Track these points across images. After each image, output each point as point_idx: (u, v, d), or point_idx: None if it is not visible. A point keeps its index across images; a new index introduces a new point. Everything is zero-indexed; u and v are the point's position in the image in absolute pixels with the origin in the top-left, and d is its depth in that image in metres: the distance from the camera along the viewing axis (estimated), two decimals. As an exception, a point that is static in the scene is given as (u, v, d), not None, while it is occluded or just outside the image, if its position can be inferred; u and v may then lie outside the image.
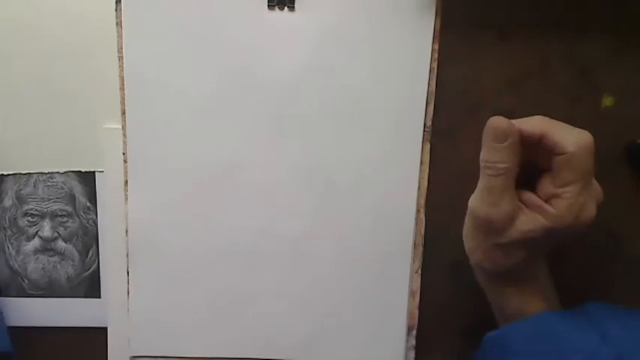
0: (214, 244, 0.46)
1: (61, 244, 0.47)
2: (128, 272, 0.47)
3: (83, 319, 0.48)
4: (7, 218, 0.47)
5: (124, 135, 0.46)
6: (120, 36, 0.45)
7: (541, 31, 0.44)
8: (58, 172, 0.47)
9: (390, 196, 0.45)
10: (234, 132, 0.46)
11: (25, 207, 0.47)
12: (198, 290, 0.47)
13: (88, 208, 0.47)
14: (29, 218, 0.47)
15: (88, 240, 0.47)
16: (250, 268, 0.47)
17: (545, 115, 0.45)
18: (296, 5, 0.44)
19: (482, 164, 0.37)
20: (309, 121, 0.45)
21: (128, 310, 0.47)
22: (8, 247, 0.47)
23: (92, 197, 0.47)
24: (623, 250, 0.46)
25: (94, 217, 0.47)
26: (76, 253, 0.48)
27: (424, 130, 0.45)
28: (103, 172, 0.46)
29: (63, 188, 0.47)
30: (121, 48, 0.45)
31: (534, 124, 0.37)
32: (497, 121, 0.37)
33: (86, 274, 0.48)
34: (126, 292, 0.47)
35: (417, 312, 0.47)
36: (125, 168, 0.46)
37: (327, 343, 0.47)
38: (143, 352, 0.48)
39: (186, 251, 0.46)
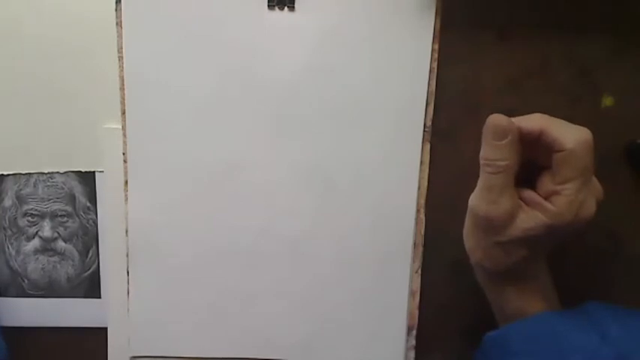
0: (214, 244, 0.46)
1: (61, 244, 0.47)
2: (128, 272, 0.47)
3: (83, 319, 0.48)
4: (7, 218, 0.47)
5: (124, 135, 0.46)
6: (120, 36, 0.45)
7: (541, 31, 0.44)
8: (58, 172, 0.47)
9: (390, 196, 0.45)
10: (234, 132, 0.46)
11: (25, 207, 0.47)
12: (198, 290, 0.47)
13: (88, 208, 0.47)
14: (29, 218, 0.47)
15: (88, 240, 0.47)
16: (250, 268, 0.47)
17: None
18: (296, 5, 0.44)
19: (482, 162, 0.37)
20: (309, 121, 0.45)
21: (128, 310, 0.47)
22: (8, 247, 0.47)
23: (92, 197, 0.47)
24: (623, 250, 0.46)
25: (94, 217, 0.47)
26: (76, 253, 0.48)
27: (424, 130, 0.45)
28: (103, 172, 0.46)
29: (63, 188, 0.47)
30: (121, 48, 0.45)
31: (533, 121, 0.37)
32: (496, 119, 0.37)
33: (86, 274, 0.48)
34: (126, 292, 0.47)
35: (417, 312, 0.47)
36: (125, 168, 0.46)
37: (327, 343, 0.47)
38: (143, 353, 0.48)
39: (186, 251, 0.46)
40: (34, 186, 0.47)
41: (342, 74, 0.44)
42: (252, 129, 0.45)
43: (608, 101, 0.45)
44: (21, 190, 0.47)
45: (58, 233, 0.47)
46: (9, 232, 0.47)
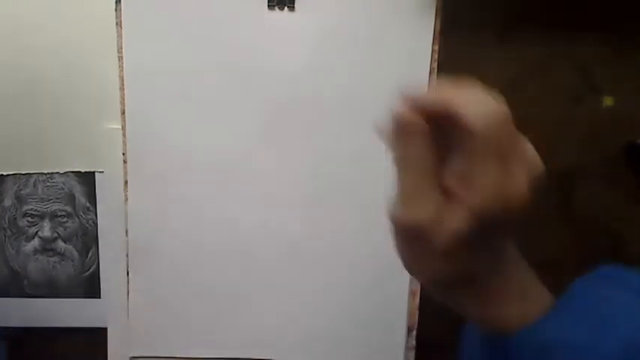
0: (214, 245, 0.46)
1: (60, 244, 0.47)
2: (128, 272, 0.47)
3: (83, 319, 0.48)
4: (6, 218, 0.47)
5: (124, 135, 0.46)
6: (120, 36, 0.45)
7: (541, 31, 0.44)
8: (57, 173, 0.47)
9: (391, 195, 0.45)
10: (234, 132, 0.45)
11: (25, 207, 0.47)
12: (198, 290, 0.47)
13: (88, 208, 0.47)
14: (29, 218, 0.47)
15: (88, 240, 0.47)
16: (250, 269, 0.46)
17: (545, 115, 0.45)
18: (296, 5, 0.44)
19: (392, 161, 0.32)
20: (309, 121, 0.45)
21: (128, 310, 0.47)
22: (8, 248, 0.47)
23: (92, 197, 0.47)
24: (623, 250, 0.46)
25: (94, 217, 0.47)
26: (75, 254, 0.47)
27: (424, 130, 0.45)
28: (102, 172, 0.46)
29: (63, 188, 0.47)
30: (121, 48, 0.45)
31: (438, 99, 0.32)
32: (398, 114, 0.31)
33: (86, 274, 0.48)
34: (126, 292, 0.47)
35: (417, 312, 0.47)
36: (125, 168, 0.46)
37: (327, 343, 0.47)
38: (143, 353, 0.48)
39: (185, 251, 0.46)
40: (34, 186, 0.46)
41: (342, 74, 0.44)
42: (252, 129, 0.45)
43: (608, 101, 0.45)
44: (21, 190, 0.47)
45: (58, 233, 0.47)
46: (9, 233, 0.47)
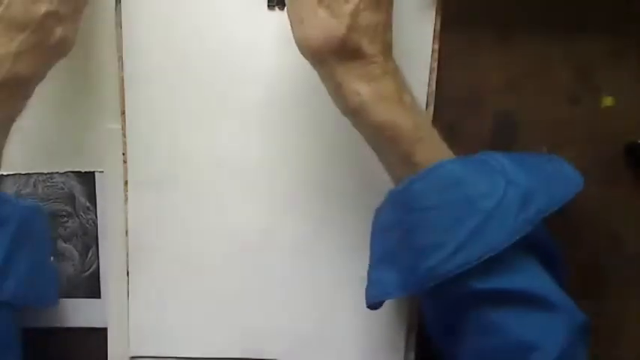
0: (214, 245, 0.46)
1: (60, 244, 0.47)
2: (128, 272, 0.47)
3: (83, 319, 0.48)
4: (6, 218, 0.47)
5: (124, 135, 0.46)
6: (120, 36, 0.45)
7: (541, 31, 0.44)
8: (57, 173, 0.47)
9: (390, 196, 0.45)
10: (234, 132, 0.46)
11: (25, 207, 0.47)
12: (198, 290, 0.47)
13: (88, 208, 0.47)
14: (29, 218, 0.47)
15: (88, 240, 0.47)
16: (250, 268, 0.46)
17: (544, 115, 0.45)
18: (296, 5, 0.43)
19: None
20: (310, 121, 0.45)
21: (128, 310, 0.47)
22: (8, 248, 0.47)
23: (92, 197, 0.47)
24: (623, 250, 0.46)
25: (94, 217, 0.47)
26: (75, 254, 0.47)
27: (424, 130, 0.45)
28: (102, 172, 0.46)
29: (63, 188, 0.47)
30: (121, 48, 0.45)
31: None
32: None
33: (86, 274, 0.48)
34: (126, 292, 0.47)
35: (417, 312, 0.47)
36: (125, 168, 0.46)
37: (326, 343, 0.47)
38: (143, 353, 0.48)
39: (185, 251, 0.46)
40: (34, 186, 0.46)
41: (342, 74, 0.44)
42: (253, 129, 0.45)
43: (608, 101, 0.45)
44: (21, 190, 0.46)
45: (58, 233, 0.47)
46: (9, 233, 0.47)
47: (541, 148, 0.43)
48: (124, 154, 0.46)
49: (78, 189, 0.47)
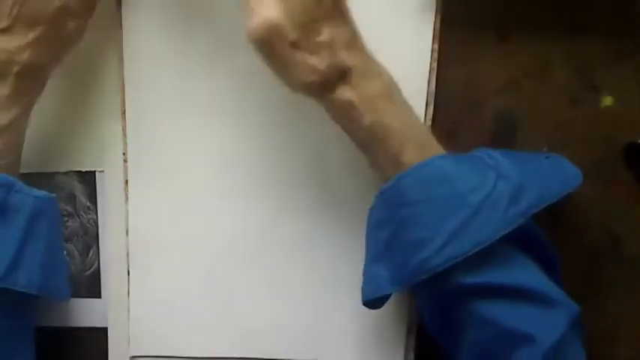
0: (214, 244, 0.46)
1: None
2: (128, 272, 0.47)
3: (83, 319, 0.48)
4: (7, 218, 0.47)
5: (124, 135, 0.46)
6: (121, 36, 0.45)
7: (541, 31, 0.44)
8: (58, 172, 0.47)
9: (390, 196, 0.45)
10: (235, 131, 0.46)
11: (26, 207, 0.47)
12: (198, 290, 0.47)
13: (89, 207, 0.47)
14: (29, 218, 0.47)
15: (89, 240, 0.47)
16: (250, 268, 0.47)
17: (545, 115, 0.45)
18: (296, 5, 0.43)
19: None
20: (310, 121, 0.45)
21: (128, 309, 0.47)
22: (8, 247, 0.47)
23: (92, 197, 0.47)
24: (623, 250, 0.46)
25: (95, 216, 0.47)
26: (76, 253, 0.48)
27: (424, 130, 0.45)
28: (103, 171, 0.46)
29: (63, 188, 0.47)
30: (122, 48, 0.45)
31: None
32: None
33: (86, 274, 0.48)
34: (126, 292, 0.47)
35: (416, 312, 0.47)
36: (125, 168, 0.46)
37: (326, 343, 0.47)
38: (143, 352, 0.48)
39: (186, 251, 0.47)
40: (34, 186, 0.46)
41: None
42: (253, 128, 0.46)
43: (608, 101, 0.45)
44: (21, 189, 0.46)
45: (60, 233, 0.47)
46: (9, 232, 0.47)
47: (541, 148, 0.43)
48: (124, 153, 0.46)
49: (78, 188, 0.47)
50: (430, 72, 0.45)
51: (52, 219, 0.41)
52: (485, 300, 0.36)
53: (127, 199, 0.46)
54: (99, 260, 0.48)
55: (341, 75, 0.37)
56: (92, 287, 0.48)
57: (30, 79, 0.39)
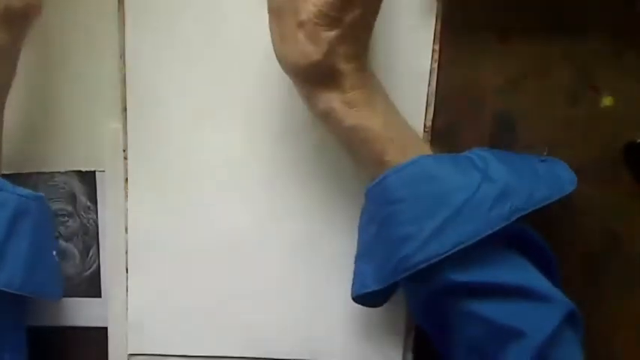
0: (214, 244, 0.46)
1: (61, 243, 0.47)
2: (127, 270, 0.47)
3: (83, 319, 0.48)
4: (7, 218, 0.47)
5: (125, 133, 0.46)
6: (122, 34, 0.45)
7: (541, 31, 0.44)
8: (58, 172, 0.47)
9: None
10: (235, 130, 0.46)
11: (26, 206, 0.47)
12: (198, 289, 0.47)
13: (89, 207, 0.47)
14: (30, 218, 0.47)
15: (89, 240, 0.47)
16: (250, 267, 0.47)
17: (545, 115, 0.45)
18: (296, 5, 0.44)
19: None
20: (310, 121, 0.45)
21: (127, 308, 0.47)
22: (9, 247, 0.47)
23: (93, 197, 0.47)
24: (623, 250, 0.46)
25: (95, 216, 0.47)
26: (76, 253, 0.48)
27: (424, 131, 0.45)
28: (103, 171, 0.46)
29: (63, 188, 0.47)
30: (123, 46, 0.45)
31: None
32: None
33: (86, 273, 0.48)
34: (126, 291, 0.47)
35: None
36: (125, 165, 0.46)
37: (326, 343, 0.47)
38: (142, 351, 0.48)
39: (186, 250, 0.47)
40: (35, 186, 0.46)
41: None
42: (253, 128, 0.46)
43: (607, 101, 0.45)
44: (21, 189, 0.46)
45: (59, 233, 0.47)
46: (9, 232, 0.47)
47: (542, 149, 0.43)
48: (124, 151, 0.46)
49: (79, 188, 0.47)
50: (430, 72, 0.45)
51: (39, 218, 0.41)
52: (474, 298, 0.36)
53: (127, 198, 0.46)
54: (99, 260, 0.48)
55: (329, 76, 0.37)
56: (92, 287, 0.48)
57: None
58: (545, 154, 0.41)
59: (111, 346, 0.48)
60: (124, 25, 0.45)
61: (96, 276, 0.48)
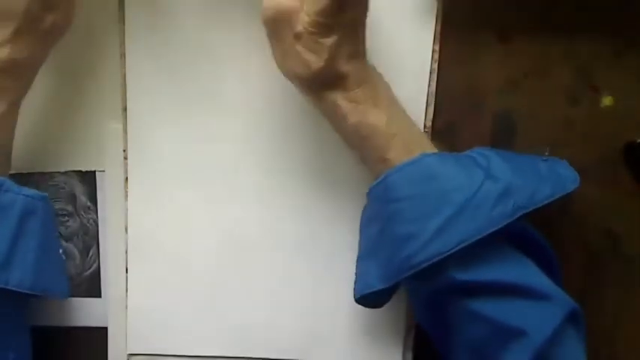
0: (214, 243, 0.46)
1: (62, 243, 0.47)
2: (127, 270, 0.47)
3: (83, 319, 0.48)
4: (7, 218, 0.47)
5: (125, 132, 0.46)
6: (122, 33, 0.45)
7: (541, 31, 0.44)
8: (58, 172, 0.47)
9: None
10: (235, 130, 0.46)
11: (26, 206, 0.47)
12: (198, 289, 0.47)
13: (89, 207, 0.47)
14: (30, 218, 0.47)
15: (89, 239, 0.47)
16: (250, 267, 0.47)
17: (544, 115, 0.45)
18: (296, 5, 0.44)
19: None
20: (310, 120, 0.45)
21: (127, 307, 0.47)
22: (9, 247, 0.47)
23: (93, 197, 0.47)
24: (623, 250, 0.46)
25: (95, 216, 0.47)
26: (76, 253, 0.48)
27: (424, 131, 0.45)
28: (103, 171, 0.46)
29: (64, 188, 0.47)
30: (123, 46, 0.45)
31: None
32: None
33: (87, 273, 0.48)
34: (126, 292, 0.47)
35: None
36: (125, 165, 0.46)
37: (326, 343, 0.47)
38: (142, 351, 0.48)
39: (185, 250, 0.47)
40: (35, 186, 0.46)
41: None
42: (253, 128, 0.46)
43: (607, 101, 0.45)
44: (21, 189, 0.46)
45: (60, 233, 0.47)
46: (9, 232, 0.47)
47: (544, 149, 0.43)
48: (124, 150, 0.46)
49: (79, 188, 0.47)
50: (430, 72, 0.45)
51: (45, 218, 0.41)
52: (476, 296, 0.36)
53: (127, 198, 0.46)
54: (99, 260, 0.48)
55: (333, 79, 0.38)
56: (92, 287, 0.48)
57: (12, 77, 0.39)
58: (546, 154, 0.41)
59: (111, 346, 0.48)
60: (124, 25, 0.45)
61: (96, 276, 0.48)
